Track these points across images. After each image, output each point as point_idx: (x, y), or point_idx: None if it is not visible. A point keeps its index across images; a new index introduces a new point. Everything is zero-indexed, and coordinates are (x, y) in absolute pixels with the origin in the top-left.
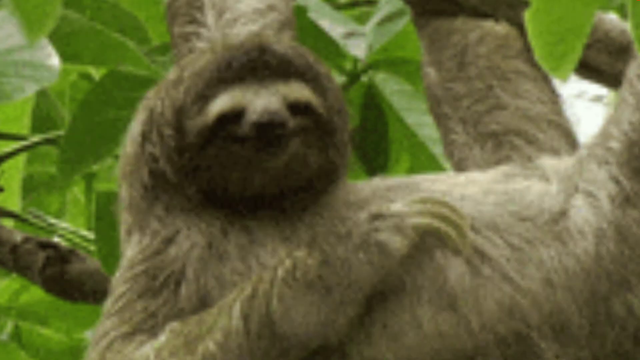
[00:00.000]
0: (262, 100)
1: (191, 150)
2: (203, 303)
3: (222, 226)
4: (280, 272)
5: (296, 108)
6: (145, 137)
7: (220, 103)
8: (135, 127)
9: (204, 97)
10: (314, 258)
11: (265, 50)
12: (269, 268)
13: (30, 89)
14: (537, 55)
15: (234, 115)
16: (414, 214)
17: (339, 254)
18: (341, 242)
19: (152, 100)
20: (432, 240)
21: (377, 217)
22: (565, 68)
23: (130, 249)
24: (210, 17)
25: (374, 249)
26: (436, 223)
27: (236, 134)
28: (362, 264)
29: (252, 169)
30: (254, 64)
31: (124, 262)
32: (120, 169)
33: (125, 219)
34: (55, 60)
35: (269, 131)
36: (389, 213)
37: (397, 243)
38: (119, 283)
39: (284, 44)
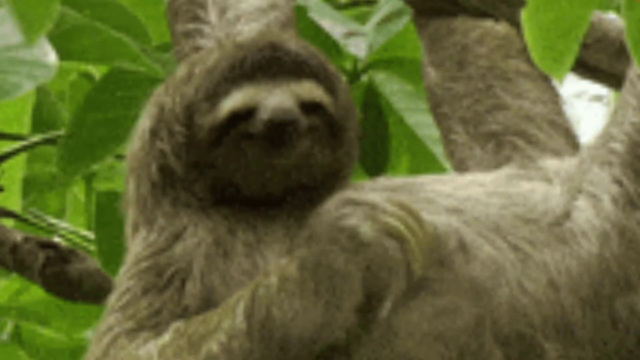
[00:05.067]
0: (275, 99)
1: (201, 147)
2: (208, 301)
3: (229, 224)
4: (273, 278)
5: (308, 107)
6: (154, 133)
7: (233, 100)
8: (143, 122)
9: (215, 94)
10: (293, 262)
11: (278, 48)
12: (268, 271)
13: (28, 86)
14: (534, 55)
15: (246, 113)
16: (387, 212)
17: (313, 251)
18: (313, 238)
19: (162, 97)
20: (392, 243)
21: (349, 202)
22: (561, 69)
23: (136, 245)
24: (212, 15)
25: (343, 236)
26: (403, 230)
27: (247, 131)
28: (337, 253)
29: (262, 167)
30: (267, 62)
31: (130, 257)
32: (128, 164)
33: (131, 214)
34: (52, 58)
35: (281, 130)
36: (364, 201)
37: (367, 227)
38: (124, 278)
39: (297, 42)
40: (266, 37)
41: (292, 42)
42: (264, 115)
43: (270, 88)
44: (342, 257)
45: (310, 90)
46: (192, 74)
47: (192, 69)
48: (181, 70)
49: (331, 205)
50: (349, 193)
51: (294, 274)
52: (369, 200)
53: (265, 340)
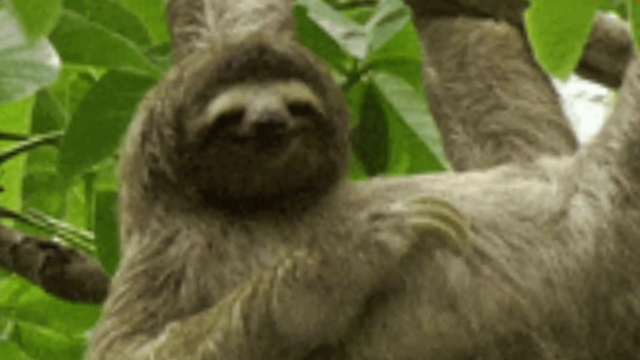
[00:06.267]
0: (262, 100)
1: (191, 150)
2: (203, 303)
3: (222, 226)
4: (280, 272)
5: (296, 108)
6: (145, 137)
7: (220, 103)
8: (135, 127)
9: (204, 97)
10: (313, 258)
11: (265, 50)
12: (269, 268)
13: (31, 89)
14: (537, 55)
15: (234, 115)
16: (413, 214)
17: (339, 254)
18: (341, 242)
19: (152, 101)
20: (431, 240)
21: (377, 216)
22: (565, 68)
23: (130, 249)
24: (210, 17)
25: (374, 249)
26: (436, 223)
27: (236, 134)
28: (362, 263)
29: (252, 169)
30: (254, 64)
31: (124, 262)
32: (120, 169)
33: (125, 219)
34: (55, 61)
35: (268, 131)
36: (389, 213)
37: (397, 243)
38: (119, 283)
39: (284, 43)
40: (254, 39)
41: (280, 44)
42: (251, 117)
43: (257, 90)
44: (366, 268)
45: (298, 90)
46: (181, 77)
47: (182, 72)
48: (171, 74)
49: (361, 219)
50: (376, 207)
51: (312, 267)
52: (394, 211)
53: (262, 336)
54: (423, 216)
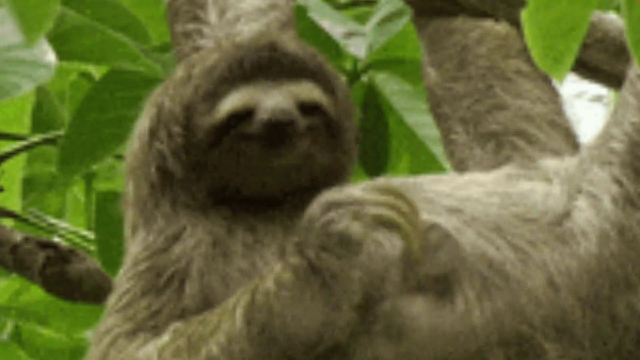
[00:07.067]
0: (273, 100)
1: (199, 148)
2: (207, 301)
3: (227, 224)
4: (269, 284)
5: (306, 108)
6: (153, 134)
7: (231, 101)
8: (142, 123)
9: (214, 95)
10: (287, 270)
11: (276, 49)
12: (269, 271)
13: (27, 86)
14: (534, 55)
15: (245, 114)
16: (373, 203)
17: (306, 260)
18: (303, 246)
19: (160, 97)
20: (386, 231)
21: (332, 205)
22: (562, 68)
23: (135, 246)
24: (212, 15)
25: (336, 242)
26: (394, 216)
27: (246, 132)
28: (332, 261)
29: (261, 168)
30: (265, 63)
31: (129, 259)
32: (127, 165)
33: (130, 215)
34: (51, 58)
35: (279, 130)
36: (347, 200)
37: (356, 228)
38: (123, 280)
39: (295, 43)
40: (265, 37)
41: (291, 43)
42: (262, 116)
43: (268, 89)
44: (337, 264)
45: (309, 90)
46: (191, 75)
47: (191, 70)
48: (180, 71)
49: (315, 211)
50: (329, 195)
51: (289, 281)
52: (352, 197)
53: (265, 345)
54: (382, 207)
